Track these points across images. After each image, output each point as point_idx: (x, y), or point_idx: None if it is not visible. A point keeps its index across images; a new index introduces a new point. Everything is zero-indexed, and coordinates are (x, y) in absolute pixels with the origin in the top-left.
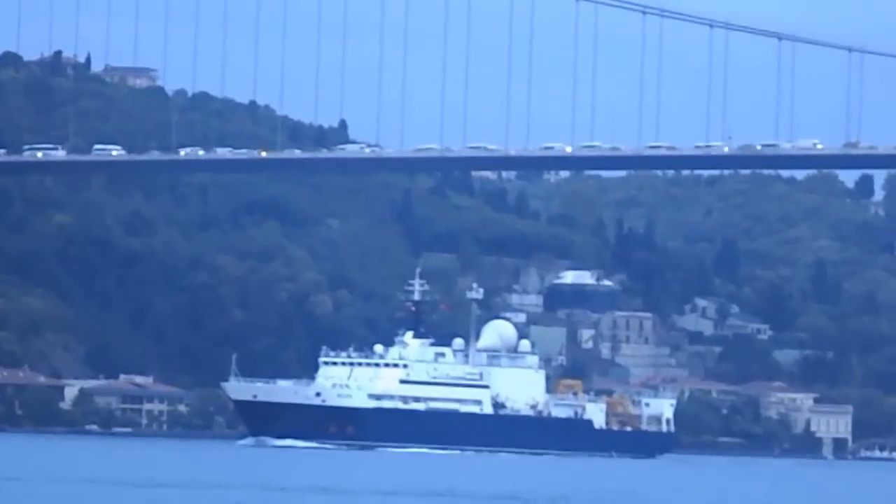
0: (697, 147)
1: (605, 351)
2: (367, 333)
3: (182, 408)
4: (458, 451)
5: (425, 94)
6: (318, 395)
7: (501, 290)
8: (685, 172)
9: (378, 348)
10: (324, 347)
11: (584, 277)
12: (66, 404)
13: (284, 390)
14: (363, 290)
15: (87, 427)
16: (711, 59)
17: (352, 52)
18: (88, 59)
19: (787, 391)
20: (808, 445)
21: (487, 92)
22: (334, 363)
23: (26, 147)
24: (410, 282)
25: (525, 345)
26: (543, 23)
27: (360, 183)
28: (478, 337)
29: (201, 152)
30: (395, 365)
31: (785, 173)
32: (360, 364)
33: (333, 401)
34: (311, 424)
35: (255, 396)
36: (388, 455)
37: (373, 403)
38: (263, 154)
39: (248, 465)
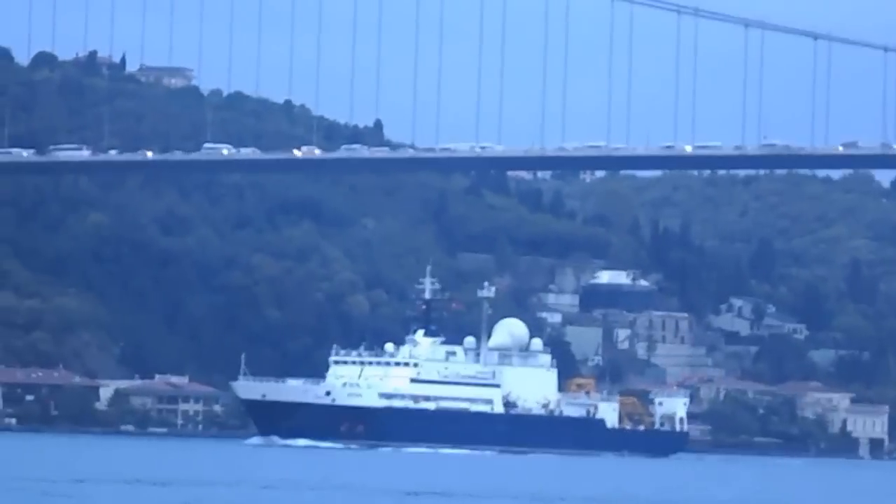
0: (738, 147)
1: (641, 351)
2: (403, 333)
3: (217, 408)
4: (469, 451)
5: (460, 93)
6: (328, 394)
7: (537, 289)
8: (721, 172)
9: (389, 347)
10: (334, 346)
11: (620, 277)
12: (101, 405)
13: (294, 389)
14: (399, 290)
15: (123, 427)
16: (747, 58)
17: (387, 52)
18: (123, 59)
19: (824, 391)
20: (844, 446)
21: (523, 91)
22: (345, 362)
23: (51, 147)
24: (421, 280)
25: (537, 343)
26: (579, 22)
27: (396, 183)
28: (489, 336)
29: (236, 152)
30: (406, 364)
31: (821, 173)
32: (370, 363)
33: (344, 400)
34: (320, 424)
35: (263, 396)
36: (399, 454)
37: (383, 402)
38: (298, 154)
39: (252, 464)
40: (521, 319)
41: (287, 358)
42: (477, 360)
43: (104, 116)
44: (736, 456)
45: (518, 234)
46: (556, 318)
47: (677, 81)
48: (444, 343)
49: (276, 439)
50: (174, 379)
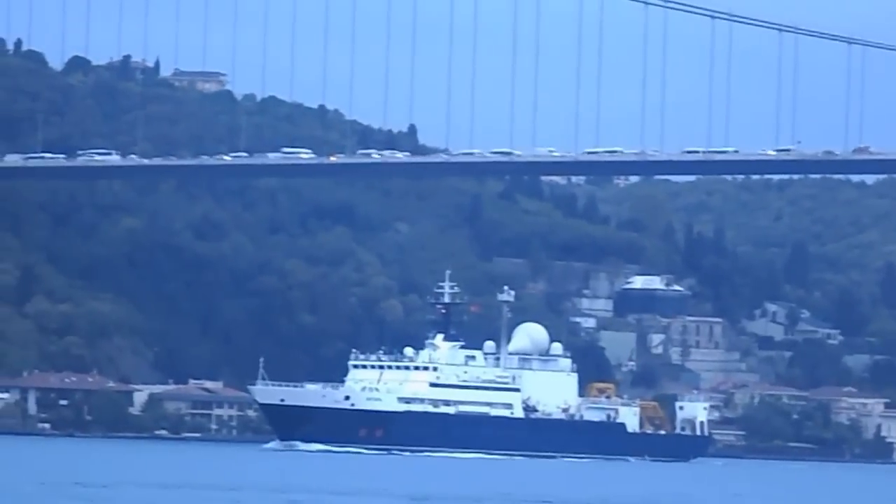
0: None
1: (675, 356)
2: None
3: (252, 413)
4: (488, 456)
5: (494, 98)
6: (346, 398)
7: (571, 294)
8: (755, 177)
9: (408, 351)
10: (353, 350)
11: (654, 282)
12: (135, 409)
13: (312, 394)
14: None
15: (157, 432)
16: (780, 63)
17: (421, 57)
18: (157, 64)
19: (858, 396)
20: (878, 451)
21: (556, 96)
22: (364, 366)
23: (79, 152)
24: (441, 284)
25: (557, 347)
26: (612, 27)
27: (429, 187)
28: (509, 340)
29: (270, 156)
30: (426, 368)
31: (855, 178)
32: (389, 367)
33: (362, 404)
34: (339, 428)
35: (282, 400)
36: (418, 459)
37: (402, 407)
38: (333, 158)
39: (269, 469)
40: (555, 324)
41: (320, 363)
42: (497, 365)
43: (138, 121)
44: (767, 461)
45: (552, 239)
46: (590, 323)
47: (711, 86)
48: (463, 347)
49: (294, 444)
50: (208, 384)
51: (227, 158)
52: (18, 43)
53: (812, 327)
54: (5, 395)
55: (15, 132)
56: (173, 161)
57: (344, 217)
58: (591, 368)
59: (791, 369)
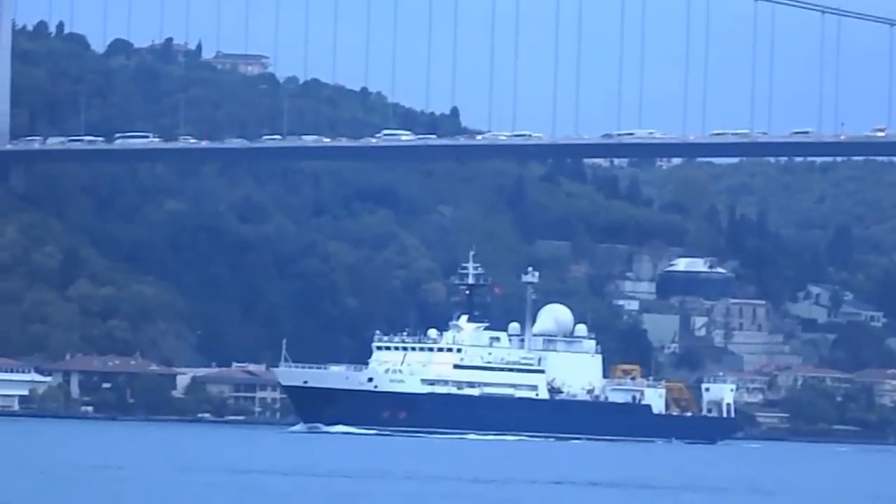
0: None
1: (718, 338)
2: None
3: None
4: (513, 438)
5: (537, 80)
6: (370, 380)
7: (614, 277)
8: (798, 159)
9: (432, 333)
10: (377, 332)
11: (697, 265)
12: (178, 392)
13: (336, 376)
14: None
15: (200, 415)
16: (823, 45)
17: (463, 39)
18: (199, 47)
19: None
20: None
21: (599, 78)
22: (387, 348)
23: (117, 135)
24: (464, 265)
25: (581, 329)
26: (655, 9)
27: (472, 170)
28: (534, 321)
29: (313, 139)
30: (449, 350)
31: None
32: (413, 349)
33: (386, 386)
34: (363, 410)
35: (305, 382)
36: (441, 442)
37: (426, 389)
38: (375, 141)
39: (296, 451)
40: (599, 307)
41: (363, 345)
42: (521, 346)
43: (180, 104)
44: (811, 444)
45: (595, 222)
46: (633, 306)
47: (753, 68)
48: (487, 328)
49: (318, 426)
50: (251, 367)
51: (271, 140)
52: (60, 26)
53: (855, 309)
54: (48, 379)
55: (58, 116)
56: (216, 144)
57: (387, 200)
58: (636, 351)
59: (834, 352)
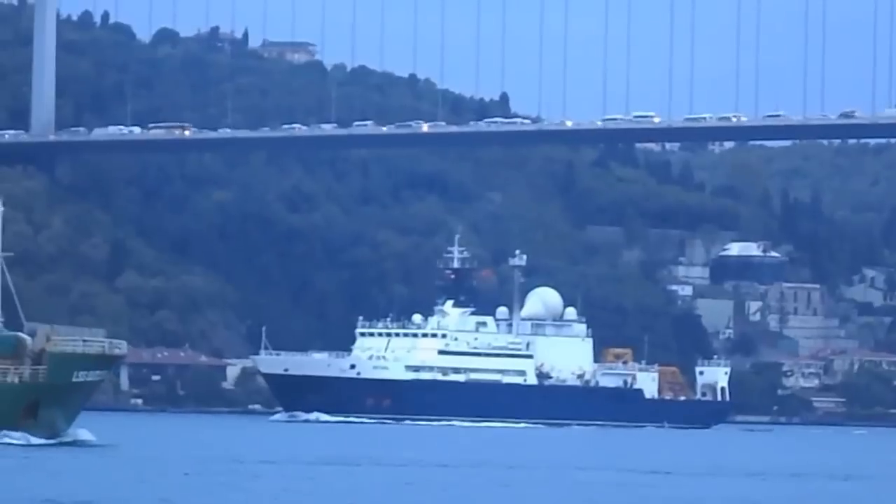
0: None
1: (773, 323)
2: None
3: None
4: (500, 424)
5: (587, 65)
6: (352, 367)
7: (667, 262)
8: (851, 141)
9: (416, 318)
10: (360, 318)
11: (751, 249)
12: (228, 384)
13: (317, 363)
14: (527, 265)
15: (250, 407)
16: (876, 23)
17: (512, 24)
18: (246, 35)
19: None
20: None
21: (650, 62)
22: (371, 334)
23: (151, 125)
24: (450, 248)
25: (571, 312)
26: None
27: (522, 156)
28: (522, 305)
29: (362, 126)
30: (434, 335)
31: None
32: (397, 335)
33: (369, 373)
34: (345, 398)
35: (286, 370)
36: (427, 429)
37: (410, 375)
38: (424, 128)
39: (277, 440)
40: (652, 292)
41: None
42: (509, 331)
43: (227, 93)
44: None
45: (647, 207)
46: (686, 291)
47: (806, 49)
48: (474, 313)
49: (299, 415)
50: None
51: (319, 129)
52: (106, 16)
53: None
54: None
55: (103, 106)
56: (264, 133)
57: (436, 187)
58: (691, 335)
59: (891, 335)
